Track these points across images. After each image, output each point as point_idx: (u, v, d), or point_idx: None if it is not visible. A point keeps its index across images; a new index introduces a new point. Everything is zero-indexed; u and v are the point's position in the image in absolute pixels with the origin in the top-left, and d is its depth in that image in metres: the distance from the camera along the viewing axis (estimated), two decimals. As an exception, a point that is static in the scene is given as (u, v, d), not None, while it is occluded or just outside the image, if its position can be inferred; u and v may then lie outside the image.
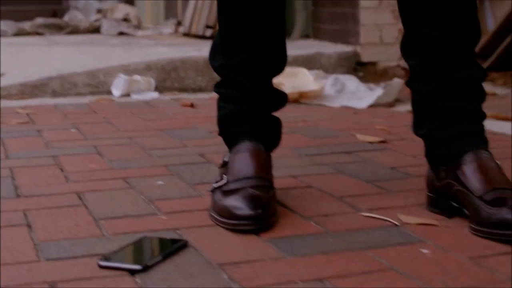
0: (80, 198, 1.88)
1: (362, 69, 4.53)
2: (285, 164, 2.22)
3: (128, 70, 4.04)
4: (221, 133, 1.89)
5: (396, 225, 1.64)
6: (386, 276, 1.34)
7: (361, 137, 2.62)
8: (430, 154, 1.79)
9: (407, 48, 1.77)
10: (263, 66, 1.82)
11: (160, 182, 2.03)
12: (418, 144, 2.00)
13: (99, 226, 1.65)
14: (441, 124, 1.75)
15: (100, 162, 2.30)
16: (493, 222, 1.53)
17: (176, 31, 6.42)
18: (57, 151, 2.47)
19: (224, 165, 1.78)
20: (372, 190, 1.93)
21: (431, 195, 1.77)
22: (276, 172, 2.15)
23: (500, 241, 1.51)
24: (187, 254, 1.46)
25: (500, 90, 3.94)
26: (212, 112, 3.39)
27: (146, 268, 1.37)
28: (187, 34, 5.93)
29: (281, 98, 1.88)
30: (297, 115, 3.11)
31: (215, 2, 2.29)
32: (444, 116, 1.74)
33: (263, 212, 1.60)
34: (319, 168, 2.18)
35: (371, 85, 4.05)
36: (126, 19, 7.11)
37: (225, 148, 2.56)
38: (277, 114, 1.87)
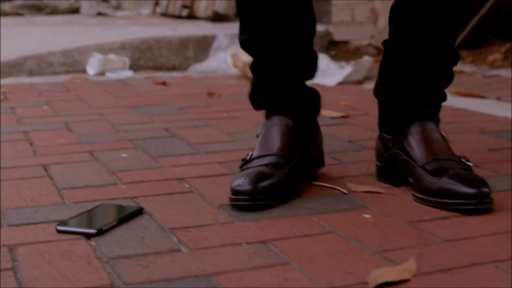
0: (46, 170, 1.96)
1: (334, 47, 4.61)
2: (245, 137, 2.30)
3: (103, 49, 4.11)
4: (256, 109, 1.90)
5: (344, 193, 1.72)
6: (325, 238, 1.42)
7: (324, 112, 2.69)
8: (381, 121, 1.86)
9: (396, 16, 1.80)
10: (292, 30, 1.80)
11: (124, 155, 2.10)
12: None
13: (61, 196, 1.73)
14: (400, 95, 1.80)
15: (69, 137, 2.38)
16: (433, 191, 1.62)
17: (154, 12, 6.47)
18: (28, 127, 2.54)
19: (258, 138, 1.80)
20: (327, 161, 2.00)
21: (379, 164, 1.85)
22: (237, 145, 2.23)
23: (439, 208, 1.59)
24: (141, 220, 1.54)
25: (468, 68, 4.03)
26: (183, 89, 3.48)
27: (100, 232, 1.45)
28: (164, 14, 5.99)
29: (313, 61, 1.88)
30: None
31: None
32: (406, 89, 1.79)
33: (257, 189, 1.60)
34: (279, 142, 2.25)
35: (342, 63, 4.13)
36: (105, 0, 7.15)
37: (193, 122, 2.64)
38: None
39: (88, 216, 1.54)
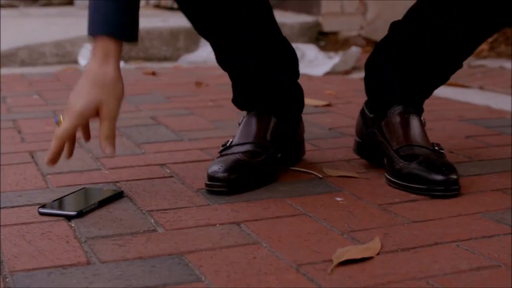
0: (32, 157, 2.01)
1: (323, 38, 4.66)
2: (228, 125, 2.36)
3: (95, 40, 4.15)
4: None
5: (319, 177, 1.78)
6: (296, 219, 1.48)
7: (307, 101, 2.74)
8: (366, 93, 1.89)
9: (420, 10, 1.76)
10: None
11: (109, 142, 2.15)
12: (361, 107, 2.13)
13: (45, 180, 1.78)
14: (390, 75, 1.82)
15: (57, 125, 2.42)
16: (403, 175, 1.67)
17: (147, 3, 6.52)
18: (17, 115, 2.59)
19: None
20: (306, 147, 2.06)
21: (358, 139, 1.90)
22: (219, 132, 2.29)
23: (409, 192, 1.64)
24: (121, 203, 1.60)
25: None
26: (172, 79, 3.54)
27: (81, 214, 1.50)
28: (157, 6, 6.04)
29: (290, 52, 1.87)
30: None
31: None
32: (399, 70, 1.80)
33: (231, 176, 1.65)
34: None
35: (331, 54, 4.18)
36: (99, -9, 7.18)
37: (178, 111, 2.69)
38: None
39: (69, 199, 1.60)
